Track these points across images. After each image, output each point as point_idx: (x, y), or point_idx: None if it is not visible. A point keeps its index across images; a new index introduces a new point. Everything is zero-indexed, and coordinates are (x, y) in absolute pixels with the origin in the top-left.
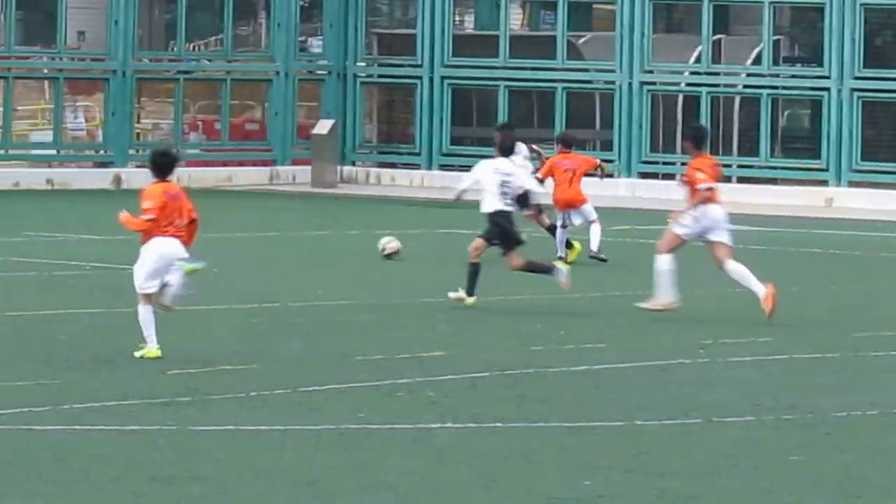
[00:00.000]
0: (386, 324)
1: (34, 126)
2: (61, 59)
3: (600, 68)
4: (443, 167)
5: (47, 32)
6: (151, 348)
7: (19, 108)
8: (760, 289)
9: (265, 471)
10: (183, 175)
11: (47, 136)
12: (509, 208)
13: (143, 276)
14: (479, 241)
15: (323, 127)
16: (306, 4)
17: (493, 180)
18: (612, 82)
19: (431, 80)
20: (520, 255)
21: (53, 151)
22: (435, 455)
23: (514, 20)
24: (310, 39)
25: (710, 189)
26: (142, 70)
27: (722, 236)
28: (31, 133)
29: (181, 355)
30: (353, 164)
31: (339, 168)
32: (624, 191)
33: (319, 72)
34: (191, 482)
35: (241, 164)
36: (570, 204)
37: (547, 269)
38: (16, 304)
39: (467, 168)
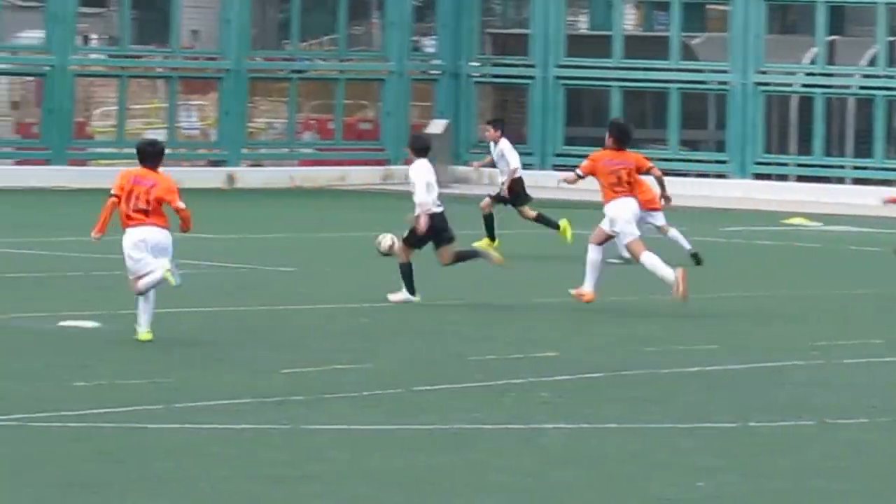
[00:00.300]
0: (498, 324)
1: (148, 125)
2: (175, 58)
3: (714, 69)
4: (556, 167)
5: (161, 31)
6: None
7: (133, 106)
8: (590, 288)
9: (377, 470)
10: (296, 174)
11: (161, 134)
12: (440, 209)
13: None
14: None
15: (436, 126)
16: (420, 4)
17: (432, 182)
18: (726, 83)
19: (545, 80)
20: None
21: (167, 150)
22: (548, 455)
23: (628, 20)
24: (423, 39)
25: (577, 175)
26: (255, 69)
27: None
28: (145, 132)
29: (295, 354)
30: (467, 163)
31: (452, 168)
32: (738, 192)
33: (433, 71)
34: (303, 481)
35: (354, 163)
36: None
37: (475, 254)
38: (130, 303)
39: None
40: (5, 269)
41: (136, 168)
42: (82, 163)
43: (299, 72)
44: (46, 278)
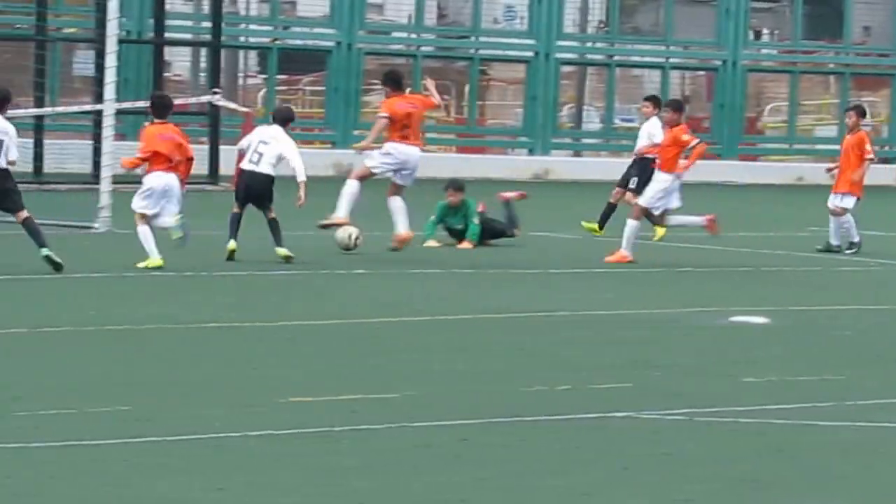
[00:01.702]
0: None
1: (819, 121)
2: (847, 54)
3: None
4: None
5: (833, 27)
6: (154, 259)
7: (804, 102)
8: (404, 228)
9: None
10: None
11: (831, 131)
12: (252, 168)
13: (139, 199)
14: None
15: None
16: None
17: (254, 142)
18: None
19: None
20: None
21: (838, 147)
22: None
23: None
24: None
25: (386, 118)
26: None
27: (407, 180)
28: (815, 128)
29: None
30: None
31: None
32: None
33: None
34: None
35: None
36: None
37: (276, 238)
38: (800, 299)
39: None
40: (674, 264)
41: (157, 128)
42: (753, 158)
43: None
44: (717, 272)
